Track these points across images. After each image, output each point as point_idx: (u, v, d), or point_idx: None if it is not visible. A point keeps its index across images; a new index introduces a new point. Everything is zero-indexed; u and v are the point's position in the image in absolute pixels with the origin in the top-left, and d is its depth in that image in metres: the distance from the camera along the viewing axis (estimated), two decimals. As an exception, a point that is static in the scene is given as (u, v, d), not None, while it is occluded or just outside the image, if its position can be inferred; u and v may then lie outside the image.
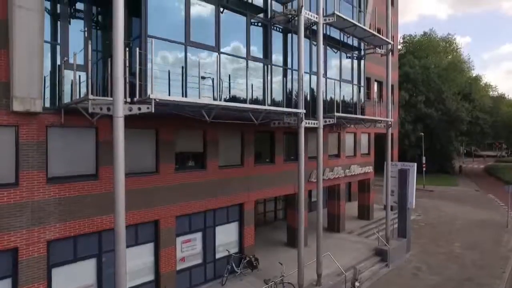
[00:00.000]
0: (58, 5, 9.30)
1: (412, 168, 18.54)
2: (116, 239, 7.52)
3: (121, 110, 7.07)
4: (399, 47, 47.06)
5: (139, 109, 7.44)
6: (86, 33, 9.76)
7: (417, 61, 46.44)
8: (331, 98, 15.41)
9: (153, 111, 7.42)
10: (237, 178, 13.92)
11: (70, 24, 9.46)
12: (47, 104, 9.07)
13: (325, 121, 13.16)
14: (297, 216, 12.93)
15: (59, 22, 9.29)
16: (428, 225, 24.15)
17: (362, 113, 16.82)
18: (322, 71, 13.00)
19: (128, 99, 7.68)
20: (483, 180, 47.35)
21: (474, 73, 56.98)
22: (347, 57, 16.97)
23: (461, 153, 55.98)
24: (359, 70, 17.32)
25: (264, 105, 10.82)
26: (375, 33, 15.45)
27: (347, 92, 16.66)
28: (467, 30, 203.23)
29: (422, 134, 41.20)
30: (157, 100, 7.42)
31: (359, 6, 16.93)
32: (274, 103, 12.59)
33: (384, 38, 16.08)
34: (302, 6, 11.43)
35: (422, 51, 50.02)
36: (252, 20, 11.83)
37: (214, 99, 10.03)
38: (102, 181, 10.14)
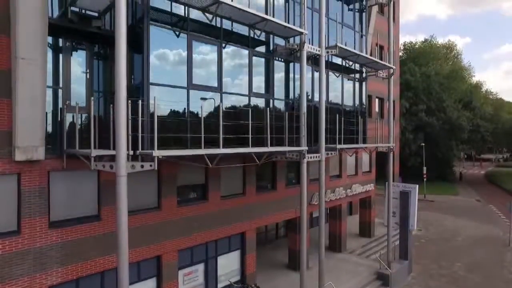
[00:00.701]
0: (60, 49, 9.28)
1: (414, 190, 18.52)
2: (119, 279, 7.40)
3: (124, 169, 7.04)
4: (400, 53, 46.90)
5: (142, 166, 7.41)
6: (88, 75, 9.74)
7: (417, 68, 46.29)
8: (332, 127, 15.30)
9: (155, 168, 7.39)
10: (238, 208, 13.89)
11: (71, 68, 9.43)
12: (49, 150, 9.03)
13: (327, 153, 13.13)
14: (299, 240, 12.93)
15: (60, 66, 9.25)
16: (429, 241, 24.13)
17: (364, 139, 16.75)
18: (324, 99, 12.99)
19: (131, 152, 7.66)
20: (484, 188, 47.12)
21: (474, 78, 56.98)
22: (348, 80, 16.92)
23: (462, 158, 55.75)
24: (361, 94, 17.28)
25: (267, 144, 10.80)
26: (377, 60, 15.42)
27: (350, 116, 16.60)
28: (466, 30, 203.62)
29: (423, 144, 41.04)
30: (160, 157, 7.39)
31: (361, 31, 16.86)
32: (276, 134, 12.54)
33: (386, 63, 16.03)
34: (304, 42, 11.41)
35: (423, 58, 49.88)
36: (254, 55, 11.77)
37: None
38: (105, 222, 10.11)
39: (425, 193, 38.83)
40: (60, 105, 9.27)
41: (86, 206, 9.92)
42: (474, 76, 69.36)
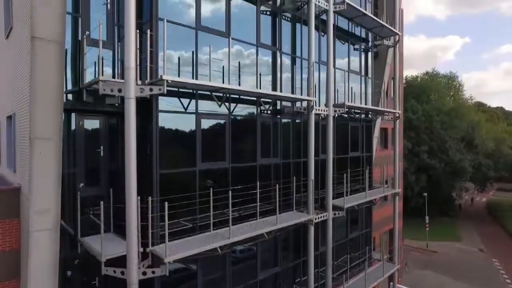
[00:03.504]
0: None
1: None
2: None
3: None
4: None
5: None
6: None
7: (420, 106, 45.98)
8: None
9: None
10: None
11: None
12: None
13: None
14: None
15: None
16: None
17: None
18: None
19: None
20: (486, 228, 44.85)
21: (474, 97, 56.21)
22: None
23: (462, 193, 54.81)
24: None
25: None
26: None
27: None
28: (466, 30, 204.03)
29: (425, 194, 40.44)
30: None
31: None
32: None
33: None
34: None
35: (424, 95, 49.53)
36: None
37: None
38: None
39: (428, 240, 37.64)
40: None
41: None
42: (473, 99, 68.97)
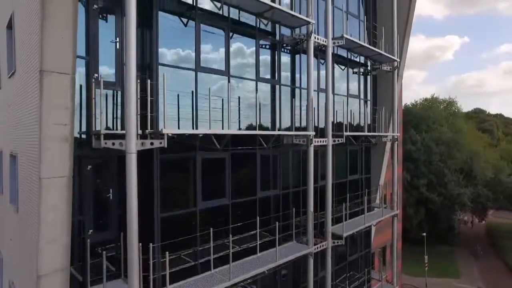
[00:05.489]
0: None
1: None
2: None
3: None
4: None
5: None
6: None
7: (419, 137, 46.05)
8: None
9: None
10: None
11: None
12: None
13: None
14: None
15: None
16: None
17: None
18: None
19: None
20: (486, 260, 44.01)
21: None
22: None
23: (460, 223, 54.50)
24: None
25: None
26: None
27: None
28: (464, 30, 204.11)
29: (424, 234, 40.51)
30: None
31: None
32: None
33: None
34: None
35: (424, 123, 49.54)
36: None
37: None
38: None
39: (426, 277, 37.25)
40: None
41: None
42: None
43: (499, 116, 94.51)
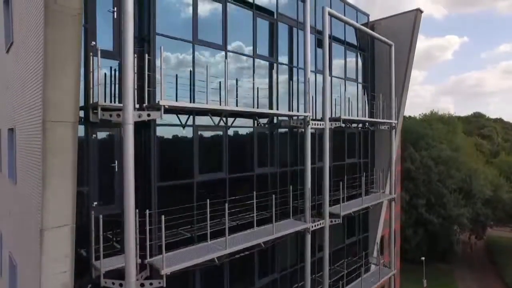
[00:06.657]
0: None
1: None
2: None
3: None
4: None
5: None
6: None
7: (418, 155, 45.74)
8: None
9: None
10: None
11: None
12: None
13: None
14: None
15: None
16: None
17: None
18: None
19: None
20: (485, 279, 43.76)
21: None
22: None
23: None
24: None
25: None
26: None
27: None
28: (464, 30, 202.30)
29: (423, 258, 40.56)
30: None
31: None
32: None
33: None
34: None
35: (423, 141, 49.13)
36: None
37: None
38: None
39: None
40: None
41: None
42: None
43: (499, 121, 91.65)
